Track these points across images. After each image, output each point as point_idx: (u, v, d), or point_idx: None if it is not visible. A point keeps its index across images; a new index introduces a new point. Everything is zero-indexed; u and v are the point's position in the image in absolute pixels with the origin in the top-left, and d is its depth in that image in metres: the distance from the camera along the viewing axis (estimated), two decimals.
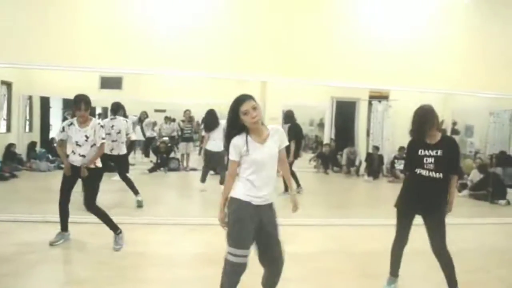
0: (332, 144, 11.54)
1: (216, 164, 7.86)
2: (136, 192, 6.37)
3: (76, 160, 4.47)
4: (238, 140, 2.75)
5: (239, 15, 6.61)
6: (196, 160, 11.28)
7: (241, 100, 2.72)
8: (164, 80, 10.37)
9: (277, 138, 2.85)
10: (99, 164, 4.58)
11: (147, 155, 11.66)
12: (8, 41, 5.69)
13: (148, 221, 5.65)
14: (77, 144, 4.45)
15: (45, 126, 11.54)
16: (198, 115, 11.50)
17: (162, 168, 10.39)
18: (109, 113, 7.45)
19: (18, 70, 9.17)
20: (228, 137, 2.80)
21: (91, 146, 4.48)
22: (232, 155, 2.77)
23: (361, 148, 11.45)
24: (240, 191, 2.79)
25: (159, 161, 10.51)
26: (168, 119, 12.13)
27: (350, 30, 7.60)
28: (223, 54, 6.96)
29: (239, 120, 2.72)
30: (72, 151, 4.50)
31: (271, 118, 7.30)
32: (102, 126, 4.61)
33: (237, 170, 2.83)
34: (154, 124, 12.21)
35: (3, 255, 4.21)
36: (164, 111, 12.61)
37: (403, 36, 8.32)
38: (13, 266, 3.95)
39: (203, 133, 8.33)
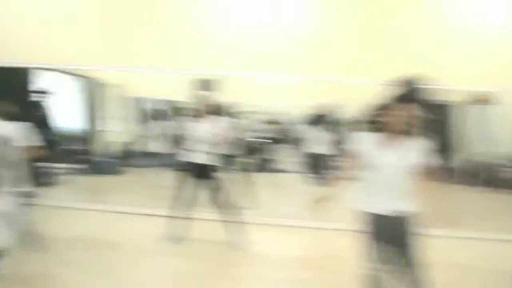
0: None
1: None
2: None
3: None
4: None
5: (347, 17, 6.47)
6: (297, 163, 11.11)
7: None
8: (259, 83, 10.38)
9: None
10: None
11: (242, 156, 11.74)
12: (112, 47, 6.04)
13: (252, 221, 5.64)
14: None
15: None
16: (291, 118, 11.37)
17: (261, 170, 10.29)
18: None
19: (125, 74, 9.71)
20: None
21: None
22: None
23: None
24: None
25: (257, 162, 10.46)
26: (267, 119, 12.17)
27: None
28: (315, 57, 6.82)
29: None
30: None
31: None
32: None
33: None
34: (249, 125, 12.31)
35: (117, 244, 4.51)
36: (256, 113, 12.62)
37: None
38: (126, 254, 4.22)
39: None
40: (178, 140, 4.69)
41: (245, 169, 9.93)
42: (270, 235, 5.20)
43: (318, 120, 7.49)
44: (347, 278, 2.69)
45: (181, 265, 4.12)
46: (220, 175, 4.61)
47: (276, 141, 10.79)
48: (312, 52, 6.49)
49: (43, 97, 7.95)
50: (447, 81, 7.54)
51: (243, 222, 4.55)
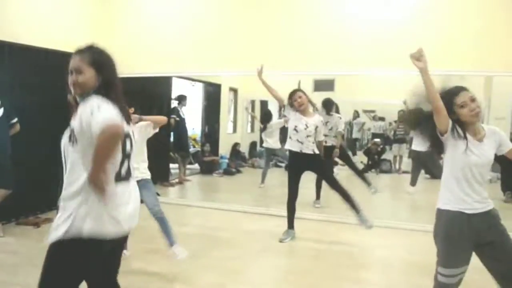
0: None
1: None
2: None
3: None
4: None
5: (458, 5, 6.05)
6: (408, 162, 10.79)
7: (455, 91, 2.40)
8: (375, 80, 10.21)
9: (494, 139, 2.42)
10: None
11: (354, 154, 11.69)
12: (234, 53, 6.40)
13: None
14: (296, 130, 4.74)
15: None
16: None
17: (373, 170, 10.26)
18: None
19: (242, 77, 10.30)
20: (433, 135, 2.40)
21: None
22: None
23: None
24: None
25: (370, 162, 10.40)
26: (376, 117, 11.94)
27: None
28: (440, 48, 6.48)
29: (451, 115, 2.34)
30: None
31: (497, 118, 6.48)
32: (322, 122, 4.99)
33: None
34: (363, 124, 12.17)
35: (232, 241, 4.79)
36: (373, 111, 12.44)
37: None
38: (240, 251, 4.45)
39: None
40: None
41: (363, 170, 9.81)
42: (386, 237, 5.10)
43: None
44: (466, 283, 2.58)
45: (294, 264, 4.24)
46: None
47: (398, 140, 10.45)
48: (428, 44, 6.14)
49: (182, 103, 8.78)
50: None
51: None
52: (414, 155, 7.53)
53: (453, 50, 6.09)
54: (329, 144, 6.45)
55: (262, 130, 8.73)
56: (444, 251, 2.40)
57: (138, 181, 2.26)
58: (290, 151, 4.74)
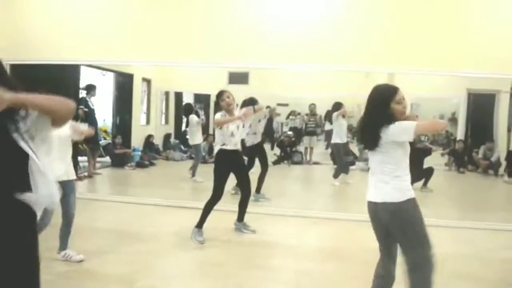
0: (467, 141, 10.63)
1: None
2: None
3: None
4: None
5: (364, 4, 6.40)
6: (319, 154, 11.29)
7: (395, 89, 2.61)
8: (289, 74, 10.51)
9: None
10: None
11: (271, 148, 12.00)
12: (147, 42, 6.22)
13: (273, 211, 5.79)
14: (232, 135, 4.68)
15: (178, 119, 12.50)
16: (322, 109, 11.49)
17: (285, 161, 10.58)
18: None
19: (156, 68, 10.06)
20: (375, 128, 2.55)
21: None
22: None
23: (501, 146, 10.37)
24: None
25: (282, 154, 10.71)
26: (294, 113, 12.33)
27: (487, 14, 6.91)
28: (347, 45, 6.81)
29: (388, 110, 2.54)
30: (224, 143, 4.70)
31: None
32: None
33: None
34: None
35: (144, 235, 4.68)
36: (287, 105, 12.81)
37: None
38: (152, 245, 4.35)
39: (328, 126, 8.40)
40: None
41: (275, 161, 10.11)
42: (294, 226, 5.28)
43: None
44: (372, 269, 2.76)
45: (209, 256, 4.23)
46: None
47: (309, 133, 10.89)
48: (338, 42, 6.46)
49: (90, 93, 8.35)
50: (491, 70, 7.38)
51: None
52: (334, 147, 7.97)
53: (360, 48, 6.44)
54: (250, 143, 6.55)
55: (186, 125, 8.59)
56: (426, 233, 2.56)
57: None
58: (225, 150, 4.67)
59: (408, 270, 2.55)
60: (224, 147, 4.65)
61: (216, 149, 4.84)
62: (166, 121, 12.23)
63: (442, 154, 10.81)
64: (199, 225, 4.54)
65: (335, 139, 7.93)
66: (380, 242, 2.69)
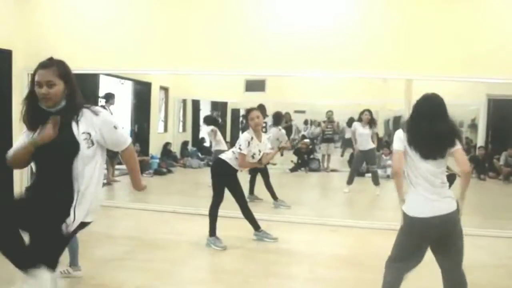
0: (488, 147, 10.43)
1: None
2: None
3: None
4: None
5: (380, 10, 6.36)
6: (336, 161, 11.22)
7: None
8: (305, 81, 10.50)
9: None
10: None
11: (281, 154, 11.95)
12: (165, 51, 6.29)
13: (290, 219, 5.78)
14: (253, 157, 4.65)
15: (196, 127, 12.57)
16: (339, 116, 11.44)
17: (303, 168, 10.55)
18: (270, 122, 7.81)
19: (174, 76, 10.15)
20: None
21: None
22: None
23: None
24: None
25: (300, 161, 10.68)
26: (313, 123, 12.29)
27: (506, 19, 6.80)
28: (365, 52, 6.78)
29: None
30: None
31: None
32: (268, 139, 4.97)
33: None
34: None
35: (162, 242, 4.71)
36: (304, 112, 12.76)
37: None
38: (170, 253, 4.38)
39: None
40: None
41: (293, 168, 10.10)
42: (311, 233, 5.27)
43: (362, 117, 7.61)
44: None
45: (225, 263, 4.23)
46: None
47: (326, 140, 10.84)
48: (354, 48, 6.43)
49: (109, 101, 8.50)
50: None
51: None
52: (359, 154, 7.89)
53: (377, 54, 6.41)
54: None
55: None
56: None
57: None
58: (229, 164, 4.63)
59: (462, 275, 2.68)
60: (230, 161, 4.60)
61: (222, 157, 4.70)
62: (184, 129, 12.32)
63: None
64: (212, 233, 4.56)
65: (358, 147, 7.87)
66: (411, 256, 2.67)
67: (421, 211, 2.57)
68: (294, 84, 10.72)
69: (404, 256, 2.68)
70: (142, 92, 10.33)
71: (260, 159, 4.73)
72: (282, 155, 5.35)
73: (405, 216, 2.64)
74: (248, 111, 4.73)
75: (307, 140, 11.36)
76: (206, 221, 4.68)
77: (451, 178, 6.88)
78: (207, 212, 4.64)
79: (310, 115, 12.60)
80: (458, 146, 2.62)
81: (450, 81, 7.45)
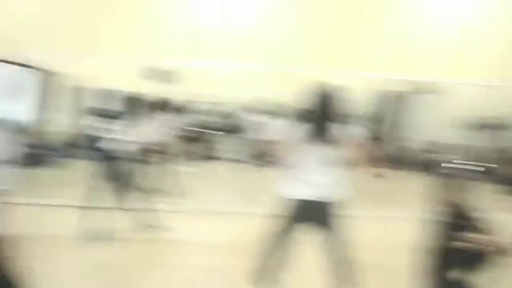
0: None
1: None
2: None
3: None
4: None
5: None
6: (231, 151, 11.21)
7: None
8: (211, 73, 10.36)
9: None
10: None
11: None
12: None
13: (178, 209, 5.69)
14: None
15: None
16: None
17: (202, 158, 10.39)
18: None
19: (66, 62, 9.47)
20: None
21: None
22: None
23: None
24: None
25: (199, 150, 10.52)
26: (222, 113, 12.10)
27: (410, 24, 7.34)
28: (280, 46, 6.88)
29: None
30: None
31: None
32: None
33: None
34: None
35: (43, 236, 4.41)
36: (213, 104, 12.53)
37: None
38: (42, 249, 4.06)
39: None
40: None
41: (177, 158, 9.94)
42: (198, 222, 5.27)
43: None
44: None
45: (104, 257, 4.06)
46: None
47: (222, 130, 10.87)
48: (265, 41, 6.56)
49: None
50: (393, 71, 7.86)
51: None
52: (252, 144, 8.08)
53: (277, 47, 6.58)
54: None
55: None
56: None
57: None
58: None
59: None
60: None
61: None
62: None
63: None
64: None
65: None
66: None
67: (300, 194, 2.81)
68: (205, 76, 10.54)
69: (284, 236, 2.88)
70: (38, 79, 9.51)
71: None
72: None
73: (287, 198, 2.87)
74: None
75: (207, 131, 11.24)
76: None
77: None
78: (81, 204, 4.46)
79: (219, 107, 12.46)
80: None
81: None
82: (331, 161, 2.84)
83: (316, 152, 2.81)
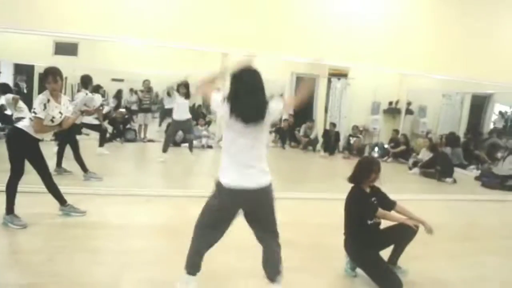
0: (291, 120, 11.62)
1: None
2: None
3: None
4: None
5: None
6: (153, 131, 11.14)
7: None
8: (123, 48, 10.08)
9: None
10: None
11: None
12: None
13: (103, 191, 5.55)
14: (52, 121, 4.22)
15: None
16: (158, 86, 11.32)
17: (118, 139, 10.18)
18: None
19: None
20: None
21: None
22: None
23: (319, 125, 11.63)
24: None
25: (115, 131, 10.28)
26: (132, 91, 11.84)
27: (312, 5, 7.60)
28: (184, 24, 6.81)
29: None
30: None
31: None
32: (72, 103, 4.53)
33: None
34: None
35: None
36: (122, 80, 12.25)
37: (364, 15, 8.43)
38: None
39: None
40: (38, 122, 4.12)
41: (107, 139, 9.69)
42: (125, 205, 5.16)
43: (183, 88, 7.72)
44: None
45: (25, 243, 3.86)
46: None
47: (143, 110, 10.66)
48: (174, 18, 6.44)
49: None
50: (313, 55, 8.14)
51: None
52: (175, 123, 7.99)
53: (195, 27, 6.50)
54: None
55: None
56: None
57: None
58: (24, 131, 4.13)
59: (278, 246, 2.91)
60: (27, 129, 4.14)
61: (19, 125, 4.20)
62: None
63: (270, 132, 11.64)
64: (9, 210, 4.13)
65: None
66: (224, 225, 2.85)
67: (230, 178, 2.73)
68: (112, 51, 10.22)
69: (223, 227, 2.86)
70: None
71: (60, 123, 4.34)
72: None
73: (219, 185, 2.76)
74: (46, 72, 4.18)
75: (123, 110, 10.97)
76: (2, 198, 4.19)
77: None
78: (3, 188, 4.14)
79: (128, 84, 12.17)
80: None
81: (259, 57, 8.04)
82: (258, 142, 2.77)
83: (243, 133, 2.70)
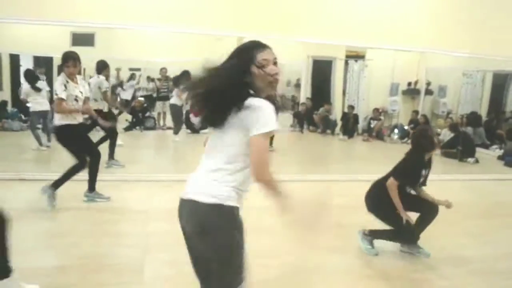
0: (309, 103, 11.57)
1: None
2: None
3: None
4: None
5: None
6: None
7: (261, 45, 1.83)
8: (140, 37, 10.13)
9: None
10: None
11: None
12: None
13: (125, 178, 5.68)
14: (76, 100, 4.38)
15: (16, 84, 11.21)
16: (175, 74, 11.39)
17: (138, 127, 10.32)
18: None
19: None
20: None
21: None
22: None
23: (337, 108, 11.56)
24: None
25: (134, 120, 10.42)
26: (149, 79, 11.96)
27: None
28: (199, 9, 6.82)
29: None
30: None
31: None
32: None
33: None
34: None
35: None
36: (139, 69, 12.37)
37: None
38: None
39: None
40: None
41: (127, 127, 9.84)
42: (146, 190, 5.27)
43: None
44: None
45: (55, 227, 4.01)
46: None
47: (162, 98, 10.76)
48: (190, 4, 6.45)
49: None
50: (329, 37, 8.07)
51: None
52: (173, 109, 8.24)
53: (209, 12, 6.49)
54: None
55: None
56: None
57: None
58: (67, 124, 4.32)
59: None
60: (62, 122, 4.30)
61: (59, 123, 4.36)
62: (0, 87, 10.91)
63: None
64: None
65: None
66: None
67: None
68: (128, 40, 10.30)
69: None
70: None
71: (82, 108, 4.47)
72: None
73: None
74: (67, 56, 4.36)
75: (141, 99, 11.09)
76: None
77: None
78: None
79: (146, 72, 12.28)
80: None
81: (276, 41, 8.00)
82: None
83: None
